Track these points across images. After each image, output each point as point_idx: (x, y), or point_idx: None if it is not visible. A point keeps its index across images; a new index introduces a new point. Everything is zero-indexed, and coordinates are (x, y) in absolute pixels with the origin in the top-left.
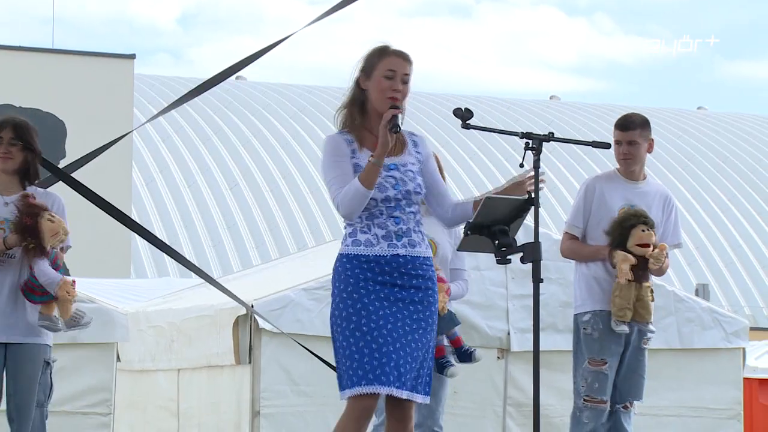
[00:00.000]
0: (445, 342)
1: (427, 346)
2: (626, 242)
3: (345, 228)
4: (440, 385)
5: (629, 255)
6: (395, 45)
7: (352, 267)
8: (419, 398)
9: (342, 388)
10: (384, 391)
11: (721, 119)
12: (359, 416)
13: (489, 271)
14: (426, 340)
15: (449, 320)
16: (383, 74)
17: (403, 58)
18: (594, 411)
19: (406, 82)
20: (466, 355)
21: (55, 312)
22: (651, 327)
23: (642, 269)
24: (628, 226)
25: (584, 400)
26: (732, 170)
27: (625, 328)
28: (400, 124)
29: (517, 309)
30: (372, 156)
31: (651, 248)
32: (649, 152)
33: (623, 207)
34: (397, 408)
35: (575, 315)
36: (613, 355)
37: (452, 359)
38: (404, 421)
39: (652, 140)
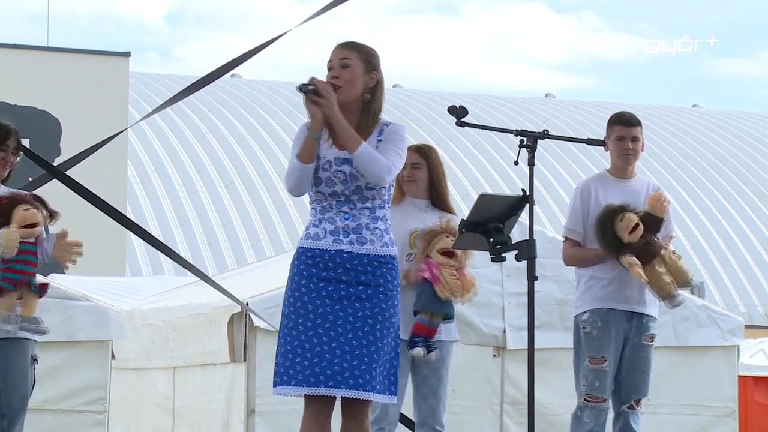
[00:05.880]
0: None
1: (382, 342)
2: (620, 240)
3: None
4: (440, 384)
5: (633, 258)
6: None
7: (299, 262)
8: (376, 397)
9: (273, 384)
10: (312, 392)
11: (716, 117)
12: (312, 416)
13: (484, 269)
14: (377, 337)
15: (441, 305)
16: (327, 67)
17: (340, 46)
18: (595, 410)
19: (344, 66)
20: (427, 348)
21: (36, 313)
22: (685, 291)
23: (646, 252)
24: (609, 227)
25: (585, 399)
26: (727, 168)
27: (682, 298)
28: (309, 85)
29: (513, 307)
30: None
31: (640, 226)
32: (642, 150)
33: None
34: (347, 407)
35: (575, 316)
36: (612, 352)
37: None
38: (357, 419)
39: (643, 137)
